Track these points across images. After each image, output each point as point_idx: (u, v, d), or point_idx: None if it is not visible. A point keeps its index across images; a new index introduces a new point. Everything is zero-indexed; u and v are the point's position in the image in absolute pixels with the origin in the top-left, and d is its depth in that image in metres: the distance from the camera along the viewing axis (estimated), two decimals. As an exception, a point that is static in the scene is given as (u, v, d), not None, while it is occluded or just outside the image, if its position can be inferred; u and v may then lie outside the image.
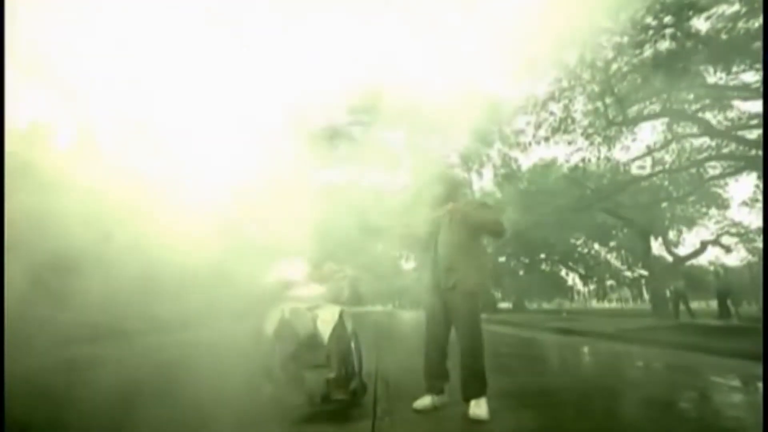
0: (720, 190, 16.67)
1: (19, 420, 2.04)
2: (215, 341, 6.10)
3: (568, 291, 25.17)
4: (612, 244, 21.54)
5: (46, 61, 4.72)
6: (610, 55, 10.75)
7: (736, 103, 11.79)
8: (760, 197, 14.02)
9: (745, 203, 16.34)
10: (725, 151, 12.45)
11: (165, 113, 4.67)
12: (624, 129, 13.15)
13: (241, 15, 4.68)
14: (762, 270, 12.11)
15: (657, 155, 14.58)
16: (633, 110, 12.21)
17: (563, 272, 24.30)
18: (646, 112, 12.46)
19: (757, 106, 11.00)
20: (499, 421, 2.12)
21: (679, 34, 9.40)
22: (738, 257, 17.43)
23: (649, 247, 17.04)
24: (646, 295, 19.20)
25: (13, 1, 2.74)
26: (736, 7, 8.63)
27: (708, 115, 12.14)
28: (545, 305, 25.84)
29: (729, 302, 11.12)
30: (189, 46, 4.56)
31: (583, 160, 14.28)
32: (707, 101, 11.76)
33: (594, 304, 24.36)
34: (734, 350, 4.66)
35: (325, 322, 2.30)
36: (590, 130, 13.50)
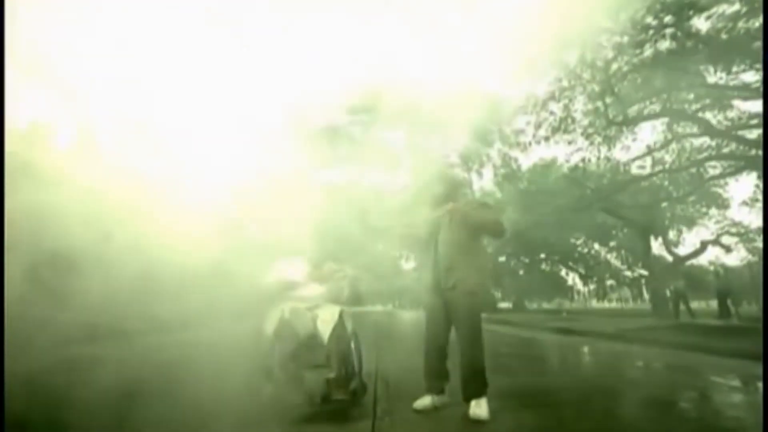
0: (720, 190, 16.67)
1: (19, 420, 2.04)
2: (215, 341, 6.11)
3: (568, 291, 25.17)
4: (612, 243, 21.54)
5: (46, 61, 4.72)
6: (611, 54, 10.74)
7: (736, 102, 11.79)
8: (760, 197, 14.02)
9: (745, 203, 16.35)
10: (725, 150, 12.44)
11: (165, 113, 4.67)
12: (624, 129, 13.15)
13: (241, 15, 4.68)
14: (762, 270, 12.11)
15: (657, 155, 14.59)
16: (633, 110, 12.21)
17: (563, 272, 24.30)
18: (646, 111, 12.45)
19: (757, 105, 11.01)
20: (500, 421, 2.12)
21: (679, 33, 9.40)
22: (738, 257, 17.45)
23: (649, 247, 17.03)
24: (646, 295, 19.19)
25: (13, 1, 2.74)
26: (737, 6, 8.63)
27: (708, 115, 12.14)
28: (545, 305, 25.84)
29: (729, 302, 11.12)
30: (189, 46, 4.56)
31: (583, 159, 14.28)
32: (707, 101, 11.75)
33: (594, 303, 24.36)
34: (734, 350, 4.66)
35: (325, 322, 2.30)
36: (590, 130, 13.50)
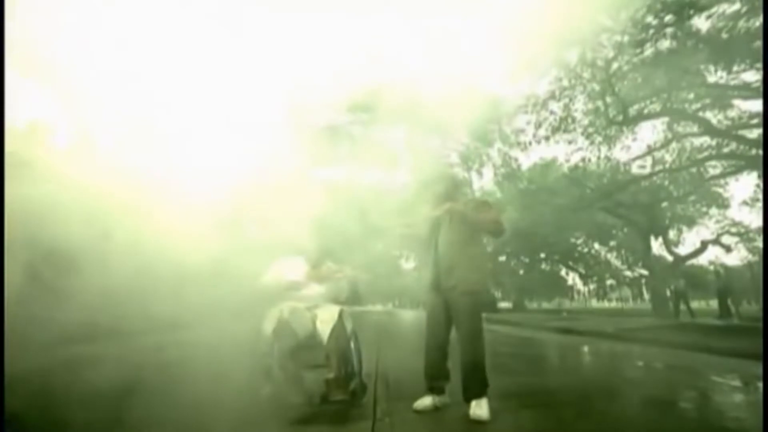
0: (720, 190, 16.66)
1: (18, 419, 2.03)
2: (214, 341, 6.09)
3: (568, 290, 25.15)
4: (612, 243, 21.53)
5: (45, 61, 4.71)
6: (611, 54, 10.72)
7: (737, 102, 11.78)
8: (761, 197, 14.02)
9: (745, 203, 16.35)
10: (726, 150, 12.43)
11: (164, 111, 4.65)
12: (624, 128, 13.13)
13: (240, 13, 4.66)
14: (762, 269, 12.10)
15: (657, 154, 14.58)
16: (633, 109, 12.19)
17: (563, 271, 24.29)
18: (646, 111, 12.44)
19: (757, 105, 11.00)
20: (500, 421, 2.11)
21: (679, 33, 9.38)
22: (738, 257, 17.46)
23: (649, 247, 17.03)
24: (646, 295, 19.18)
25: (12, 1, 2.73)
26: (737, 6, 8.61)
27: (708, 115, 12.13)
28: (545, 305, 25.82)
29: (729, 302, 11.11)
30: (188, 45, 4.54)
31: (583, 159, 14.28)
32: (708, 100, 11.74)
33: (594, 303, 24.34)
34: (734, 350, 4.65)
35: (325, 321, 2.29)
36: (590, 130, 13.49)
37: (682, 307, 12.37)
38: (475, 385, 2.21)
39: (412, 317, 17.18)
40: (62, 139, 6.38)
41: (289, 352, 2.19)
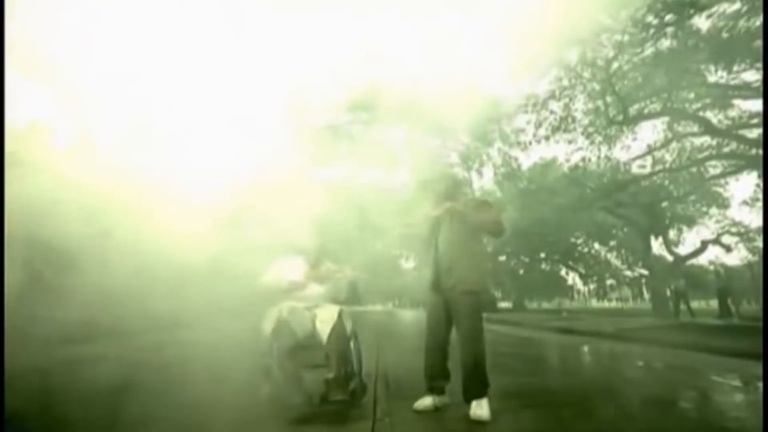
0: (720, 189, 16.65)
1: (17, 418, 2.03)
2: (213, 340, 6.09)
3: (568, 290, 25.14)
4: (612, 243, 21.52)
5: (45, 61, 4.71)
6: (611, 53, 10.71)
7: (737, 101, 11.77)
8: (761, 196, 14.01)
9: (745, 202, 16.34)
10: (726, 150, 12.42)
11: (164, 111, 4.65)
12: (624, 128, 13.12)
13: (240, 13, 4.65)
14: (762, 269, 12.10)
15: (657, 154, 14.56)
16: (634, 109, 12.18)
17: (563, 271, 24.28)
18: (646, 111, 12.43)
19: (757, 104, 10.99)
20: (501, 422, 2.10)
21: (680, 32, 9.37)
22: (738, 256, 17.43)
23: (649, 247, 17.01)
24: (646, 295, 19.17)
25: (12, 1, 2.72)
26: (737, 5, 8.60)
27: (709, 114, 12.12)
28: (545, 304, 25.81)
29: (729, 301, 11.11)
30: (188, 44, 4.54)
31: (583, 159, 14.27)
32: (708, 100, 11.73)
33: (594, 303, 24.33)
34: (735, 349, 4.65)
35: (324, 321, 2.28)
36: (591, 129, 13.48)
37: (683, 307, 12.37)
38: (476, 386, 2.20)
39: (412, 317, 17.18)
40: (62, 139, 6.38)
41: (289, 352, 2.18)
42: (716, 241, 16.75)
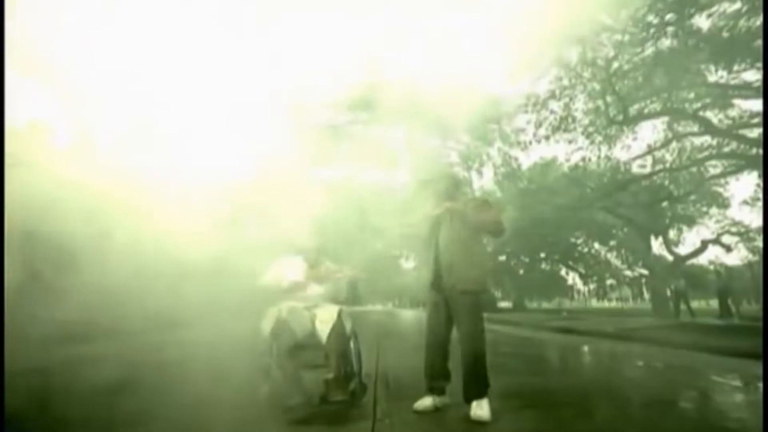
0: (721, 189, 16.64)
1: (17, 417, 2.03)
2: (213, 340, 6.09)
3: (568, 290, 25.14)
4: (612, 243, 21.51)
5: (46, 61, 4.71)
6: (611, 53, 10.71)
7: (737, 101, 11.76)
8: (761, 196, 14.00)
9: (745, 202, 16.33)
10: (726, 149, 12.42)
11: (164, 111, 4.65)
12: (625, 128, 13.12)
13: (240, 13, 4.65)
14: (762, 269, 12.10)
15: (657, 154, 14.56)
16: (634, 109, 12.18)
17: (563, 271, 24.26)
18: (646, 110, 12.42)
19: (757, 104, 10.98)
20: (501, 422, 2.10)
21: (680, 32, 9.36)
22: (738, 256, 17.43)
23: (649, 246, 17.02)
24: (646, 295, 19.17)
25: (12, 1, 2.72)
26: (738, 5, 8.59)
27: (709, 114, 12.11)
28: (545, 304, 25.81)
29: (729, 301, 11.11)
30: (188, 45, 4.54)
31: (583, 158, 14.27)
32: (708, 100, 11.72)
33: (594, 303, 24.33)
34: (735, 349, 4.64)
35: (324, 321, 2.28)
36: (591, 129, 13.47)
37: (683, 306, 12.36)
38: (476, 386, 2.20)
39: (412, 317, 17.17)
40: (62, 139, 6.38)
41: (288, 352, 2.18)
42: (716, 240, 16.75)
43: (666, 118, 13.22)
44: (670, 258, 16.63)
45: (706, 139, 13.22)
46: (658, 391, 3.01)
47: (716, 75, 10.41)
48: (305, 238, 2.65)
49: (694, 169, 14.45)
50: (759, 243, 15.96)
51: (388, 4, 5.43)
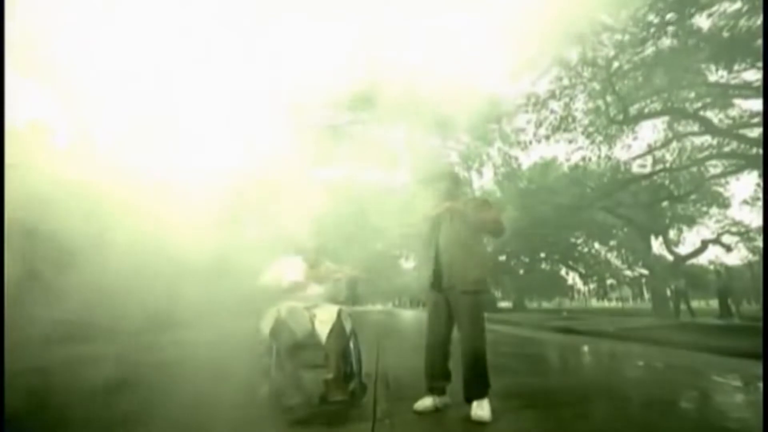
0: (721, 189, 16.64)
1: (17, 418, 2.03)
2: (213, 339, 6.09)
3: (568, 290, 25.16)
4: (612, 243, 21.52)
5: (46, 61, 4.71)
6: (612, 52, 10.70)
7: (738, 101, 11.77)
8: (761, 196, 13.99)
9: (746, 202, 16.33)
10: (726, 149, 12.42)
11: (164, 110, 4.64)
12: (625, 127, 13.12)
13: (240, 12, 4.65)
14: (762, 269, 12.09)
15: (658, 154, 14.56)
16: (634, 108, 12.17)
17: (563, 271, 24.28)
18: (647, 110, 12.42)
19: (758, 104, 10.98)
20: (502, 422, 2.10)
21: (680, 31, 9.36)
22: (739, 256, 17.43)
23: (649, 246, 17.02)
24: (646, 294, 19.17)
25: (12, 1, 2.72)
26: (738, 4, 8.59)
27: (709, 114, 12.11)
28: (545, 304, 25.84)
29: (730, 301, 11.11)
30: (188, 44, 4.54)
31: (583, 158, 14.27)
32: (708, 99, 11.72)
33: (594, 303, 24.35)
34: (735, 349, 4.64)
35: (323, 321, 2.27)
36: (591, 129, 13.48)
37: (683, 306, 12.37)
38: (477, 386, 2.20)
39: (412, 317, 17.17)
40: (62, 139, 6.38)
41: (287, 352, 2.18)
42: (716, 240, 16.75)
43: (666, 118, 13.22)
44: (670, 258, 16.64)
45: (707, 139, 13.23)
46: (658, 391, 3.01)
47: (716, 74, 10.42)
48: (305, 237, 2.64)
49: (694, 169, 14.45)
50: (759, 243, 15.96)
51: (388, 4, 5.43)
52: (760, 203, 14.73)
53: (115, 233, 4.35)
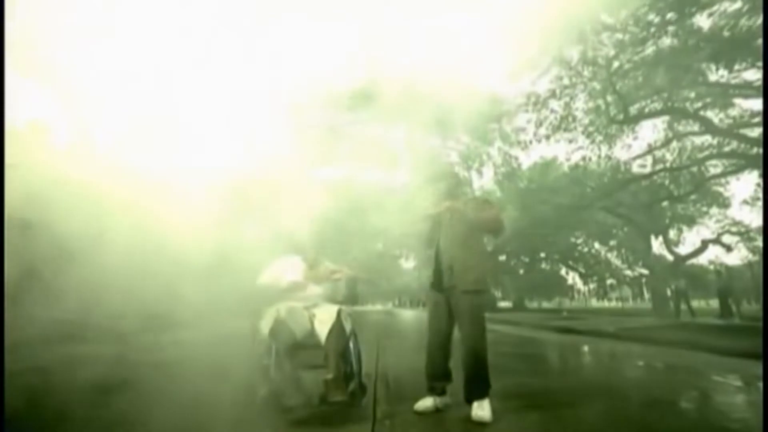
0: (721, 189, 16.63)
1: (16, 418, 2.02)
2: (212, 339, 6.09)
3: (568, 290, 25.16)
4: (612, 242, 21.52)
5: (46, 61, 4.71)
6: (612, 52, 10.70)
7: (738, 100, 11.76)
8: (761, 195, 13.99)
9: (746, 202, 16.32)
10: (727, 149, 12.41)
11: (164, 111, 4.64)
12: (625, 127, 13.12)
13: (239, 12, 4.64)
14: (763, 269, 12.09)
15: (658, 153, 14.56)
16: (634, 108, 12.17)
17: (563, 271, 24.29)
18: (647, 110, 12.41)
19: (758, 103, 10.98)
20: (502, 422, 2.09)
21: (680, 31, 9.36)
22: (739, 256, 17.42)
23: (649, 246, 17.01)
24: (646, 294, 19.17)
25: (12, 1, 2.72)
26: (738, 4, 8.59)
27: (709, 113, 12.11)
28: (545, 304, 25.83)
29: (730, 301, 11.10)
30: (188, 44, 4.53)
31: (583, 158, 14.27)
32: (709, 99, 11.72)
33: (594, 303, 24.36)
34: (735, 349, 4.64)
35: (323, 321, 2.27)
36: (591, 128, 13.47)
37: (683, 306, 12.36)
38: (477, 386, 2.19)
39: (412, 317, 17.18)
40: (62, 139, 6.38)
41: (287, 353, 2.17)
42: (717, 240, 16.74)
43: (666, 118, 13.21)
44: (670, 258, 16.64)
45: (707, 139, 13.22)
46: (658, 391, 3.00)
47: (717, 74, 10.41)
48: (305, 237, 2.64)
49: (694, 169, 14.44)
50: (759, 243, 15.95)
51: (388, 4, 5.42)
52: (760, 203, 14.72)
53: (115, 233, 4.34)
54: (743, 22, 8.53)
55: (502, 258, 22.25)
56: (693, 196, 16.38)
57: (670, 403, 2.66)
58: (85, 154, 5.89)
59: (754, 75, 9.75)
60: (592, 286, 23.79)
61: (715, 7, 8.83)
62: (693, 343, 5.31)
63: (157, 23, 4.39)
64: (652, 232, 16.75)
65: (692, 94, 11.80)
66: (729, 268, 14.39)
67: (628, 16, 9.54)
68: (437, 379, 2.33)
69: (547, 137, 13.50)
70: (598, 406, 2.57)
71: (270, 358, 2.15)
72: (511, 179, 17.81)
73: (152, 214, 4.34)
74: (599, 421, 2.24)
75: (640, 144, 16.54)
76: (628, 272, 21.77)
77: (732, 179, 15.11)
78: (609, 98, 11.73)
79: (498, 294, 24.46)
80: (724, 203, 17.06)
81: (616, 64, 10.90)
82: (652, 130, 14.35)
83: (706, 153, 13.38)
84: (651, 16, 9.32)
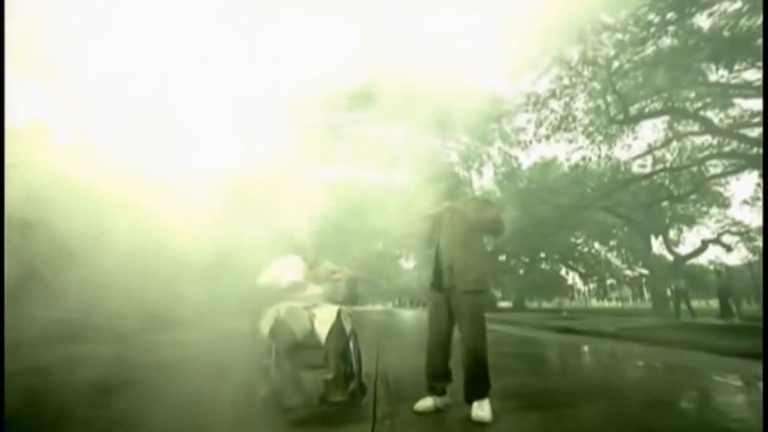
0: (721, 189, 16.63)
1: (15, 417, 2.02)
2: (212, 339, 6.09)
3: (568, 290, 25.16)
4: (612, 242, 21.52)
5: (46, 61, 4.71)
6: (612, 52, 10.70)
7: (738, 100, 11.77)
8: (761, 195, 13.99)
9: (746, 202, 16.33)
10: (727, 149, 12.41)
11: (164, 111, 4.64)
12: (625, 127, 13.12)
13: (239, 12, 4.64)
14: (763, 269, 12.09)
15: (658, 153, 14.56)
16: (634, 108, 12.17)
17: (563, 271, 24.29)
18: (647, 110, 12.42)
19: (758, 103, 10.98)
20: (502, 423, 2.09)
21: (680, 31, 9.36)
22: (739, 256, 17.43)
23: (649, 246, 17.01)
24: (646, 294, 19.17)
25: (12, 1, 2.72)
26: (738, 4, 8.59)
27: (709, 113, 12.11)
28: (545, 304, 25.84)
29: (730, 301, 11.11)
30: (188, 44, 4.53)
31: (583, 158, 14.27)
32: (709, 99, 11.72)
33: (594, 303, 24.36)
34: (735, 349, 4.64)
35: (323, 321, 2.27)
36: (591, 128, 13.47)
37: (683, 306, 12.36)
38: (477, 386, 2.19)
39: (412, 317, 17.18)
40: (62, 139, 6.38)
41: (287, 353, 2.17)
42: (717, 240, 16.74)
43: (666, 118, 13.21)
44: (670, 258, 16.64)
45: (707, 139, 13.22)
46: (658, 391, 3.00)
47: (717, 74, 10.41)
48: (305, 237, 2.64)
49: (694, 169, 14.44)
50: (759, 243, 15.95)
51: (388, 4, 5.42)
52: (760, 203, 14.72)
53: (115, 233, 4.34)
54: (743, 22, 8.53)
55: (502, 258, 22.24)
56: (693, 196, 16.38)
57: (670, 403, 2.66)
58: (85, 154, 5.89)
59: (754, 75, 9.77)
60: (592, 286, 23.79)
61: (715, 7, 8.83)
62: (693, 343, 5.31)
63: (157, 23, 4.39)
64: (652, 232, 16.75)
65: (692, 94, 11.80)
66: (729, 268, 14.40)
67: (628, 16, 9.54)
68: (437, 379, 2.33)
69: (547, 137, 13.51)
70: (598, 406, 2.57)
71: (270, 358, 2.14)
72: (511, 179, 17.82)
73: (152, 214, 4.34)
74: (599, 421, 2.23)
75: (640, 144, 16.58)
76: (628, 272, 21.79)
77: (732, 179, 15.12)
78: (609, 98, 11.73)
79: (498, 294, 24.46)
80: (724, 203, 17.07)
81: (616, 64, 10.90)
82: (652, 130, 14.38)
83: (706, 153, 13.38)
84: (651, 16, 9.32)
